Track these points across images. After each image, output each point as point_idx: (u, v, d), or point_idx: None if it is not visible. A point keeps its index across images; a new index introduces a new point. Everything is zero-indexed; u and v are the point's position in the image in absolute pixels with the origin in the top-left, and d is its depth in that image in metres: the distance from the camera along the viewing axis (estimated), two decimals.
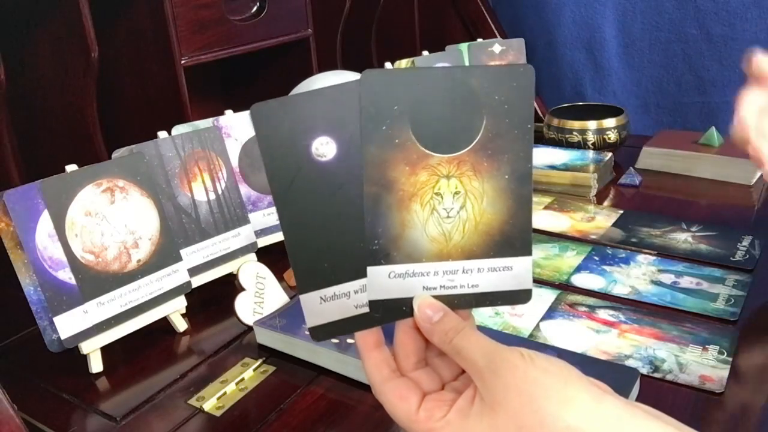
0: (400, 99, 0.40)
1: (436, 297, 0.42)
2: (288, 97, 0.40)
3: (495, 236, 0.42)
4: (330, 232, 0.41)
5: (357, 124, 0.40)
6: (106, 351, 0.70)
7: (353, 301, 0.42)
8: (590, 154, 1.12)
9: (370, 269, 0.41)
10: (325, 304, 0.41)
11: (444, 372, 0.43)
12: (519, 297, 0.43)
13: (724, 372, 0.63)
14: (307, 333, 0.67)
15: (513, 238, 0.42)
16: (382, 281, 0.41)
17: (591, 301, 0.76)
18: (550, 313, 0.74)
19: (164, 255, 0.74)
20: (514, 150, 0.41)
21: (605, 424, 0.36)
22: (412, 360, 0.42)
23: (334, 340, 0.67)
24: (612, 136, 1.16)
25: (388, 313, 0.42)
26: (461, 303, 0.42)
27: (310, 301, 0.41)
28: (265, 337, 0.71)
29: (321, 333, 0.42)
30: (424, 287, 0.42)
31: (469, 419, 0.38)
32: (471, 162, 0.41)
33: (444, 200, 0.41)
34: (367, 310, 0.42)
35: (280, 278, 0.81)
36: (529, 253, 0.42)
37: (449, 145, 0.41)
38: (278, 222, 0.89)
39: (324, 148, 0.40)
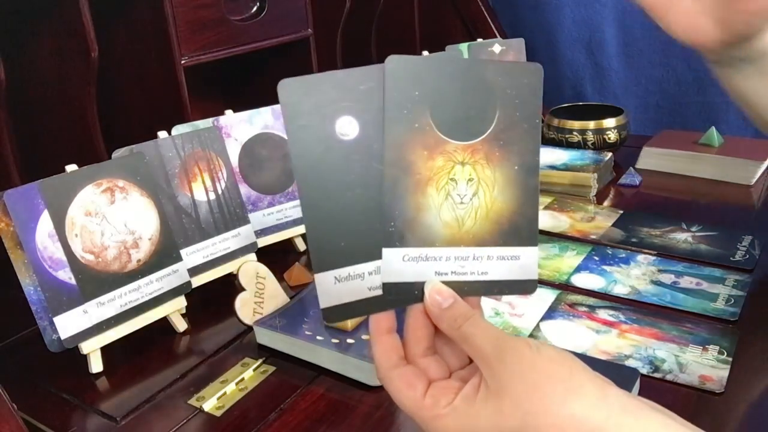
0: (421, 85, 0.41)
1: (447, 283, 0.43)
2: (315, 75, 0.41)
3: (504, 225, 0.43)
4: (348, 212, 0.41)
5: (379, 107, 0.41)
6: (106, 351, 0.70)
7: (367, 282, 0.42)
8: (590, 154, 1.12)
9: (385, 251, 0.42)
10: (339, 285, 0.42)
11: (452, 360, 0.43)
12: (525, 287, 0.44)
13: (724, 372, 0.63)
14: (309, 333, 0.68)
15: (520, 227, 0.43)
16: (396, 264, 0.42)
17: (591, 301, 0.76)
18: (550, 313, 0.74)
19: (164, 255, 0.74)
20: (523, 142, 0.43)
21: (610, 414, 0.36)
22: (422, 347, 0.43)
23: (334, 340, 0.67)
24: (612, 136, 1.16)
25: (401, 296, 0.42)
26: (470, 290, 0.43)
27: (324, 281, 0.42)
28: (265, 337, 0.71)
29: (334, 315, 0.42)
30: (436, 272, 0.43)
31: (475, 405, 0.39)
32: (484, 151, 0.42)
33: (458, 186, 0.42)
34: (379, 292, 0.42)
35: (280, 278, 0.81)
36: (534, 243, 0.44)
37: (465, 132, 0.42)
38: (278, 222, 0.89)
39: (347, 127, 0.41)
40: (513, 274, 0.44)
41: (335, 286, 0.42)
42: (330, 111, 0.40)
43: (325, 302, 0.42)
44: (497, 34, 1.39)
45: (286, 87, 0.40)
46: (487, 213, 0.43)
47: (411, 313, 0.43)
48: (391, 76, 0.41)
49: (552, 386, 0.37)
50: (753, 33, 0.54)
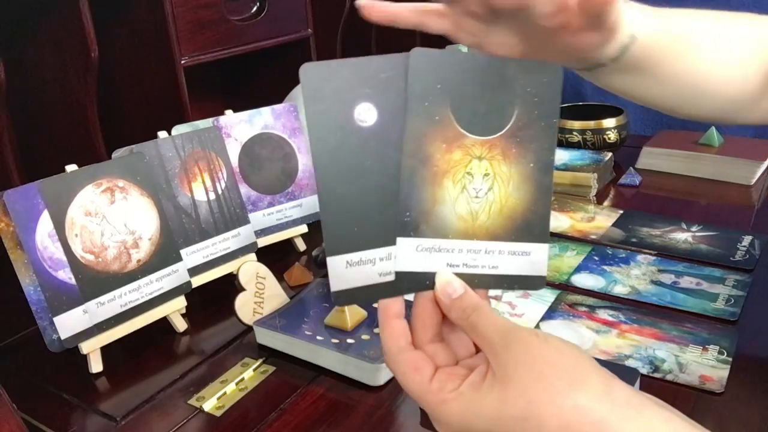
0: (443, 79, 0.42)
1: (458, 275, 0.43)
2: (337, 60, 0.41)
3: (517, 220, 0.44)
4: (362, 197, 0.42)
5: (399, 96, 0.41)
6: (106, 351, 0.70)
7: (378, 268, 0.42)
8: (590, 154, 1.12)
9: (399, 240, 0.42)
10: (351, 269, 0.42)
11: (459, 349, 0.44)
12: (534, 282, 0.45)
13: (724, 372, 0.63)
14: (309, 333, 0.68)
15: (533, 224, 0.44)
16: (409, 253, 0.43)
17: (591, 301, 0.76)
18: (550, 313, 0.74)
19: (164, 255, 0.74)
20: (540, 140, 0.43)
21: (614, 407, 0.36)
22: (429, 333, 0.43)
23: (334, 340, 0.67)
24: (612, 136, 1.16)
25: (412, 285, 0.43)
26: (480, 283, 0.44)
27: (336, 264, 0.42)
28: (265, 337, 0.71)
29: (344, 298, 0.43)
30: (448, 264, 0.43)
31: (481, 392, 0.39)
32: (501, 147, 0.43)
33: (474, 180, 0.43)
34: (390, 278, 0.43)
35: (280, 278, 0.81)
36: (546, 240, 0.44)
37: (483, 128, 0.43)
38: (278, 222, 0.90)
39: (366, 114, 0.41)
40: (523, 270, 0.44)
41: (346, 270, 0.42)
42: (349, 97, 0.41)
43: (335, 285, 0.42)
44: None
45: (308, 71, 0.40)
46: (501, 208, 0.43)
47: (419, 300, 0.43)
48: (414, 68, 0.41)
49: (557, 376, 0.37)
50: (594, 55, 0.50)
